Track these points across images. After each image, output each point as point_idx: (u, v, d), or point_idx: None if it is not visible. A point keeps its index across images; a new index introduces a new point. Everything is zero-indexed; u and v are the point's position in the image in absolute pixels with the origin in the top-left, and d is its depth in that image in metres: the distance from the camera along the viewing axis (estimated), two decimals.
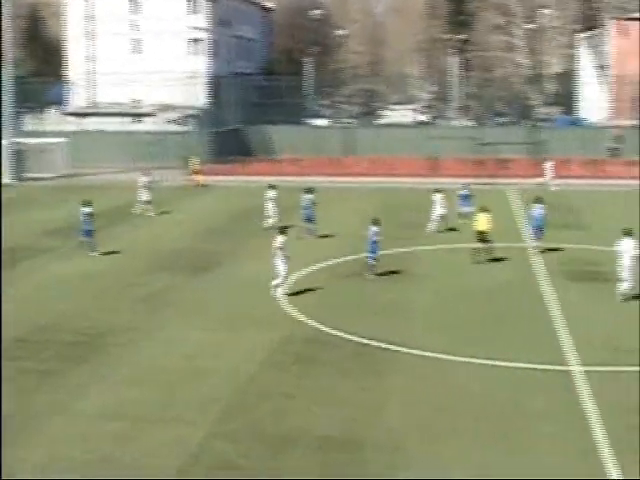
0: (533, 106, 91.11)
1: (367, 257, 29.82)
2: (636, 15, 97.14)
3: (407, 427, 16.86)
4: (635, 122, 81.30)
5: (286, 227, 27.96)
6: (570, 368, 20.25)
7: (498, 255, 32.47)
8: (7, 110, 58.83)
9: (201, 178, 55.69)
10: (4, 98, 58.84)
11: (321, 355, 21.19)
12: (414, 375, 19.91)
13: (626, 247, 26.25)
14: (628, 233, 26.46)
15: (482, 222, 31.91)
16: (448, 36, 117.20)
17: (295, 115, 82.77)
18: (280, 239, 26.67)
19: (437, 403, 18.14)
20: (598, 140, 67.30)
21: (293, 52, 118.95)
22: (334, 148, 68.99)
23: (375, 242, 29.45)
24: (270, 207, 38.64)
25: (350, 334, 22.71)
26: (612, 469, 15.03)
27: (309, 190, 37.65)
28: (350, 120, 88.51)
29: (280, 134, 70.19)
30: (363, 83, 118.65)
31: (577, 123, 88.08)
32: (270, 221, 38.01)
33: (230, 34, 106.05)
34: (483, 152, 59.23)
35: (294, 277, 29.09)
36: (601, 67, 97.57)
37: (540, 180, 53.03)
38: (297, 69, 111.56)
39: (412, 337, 22.63)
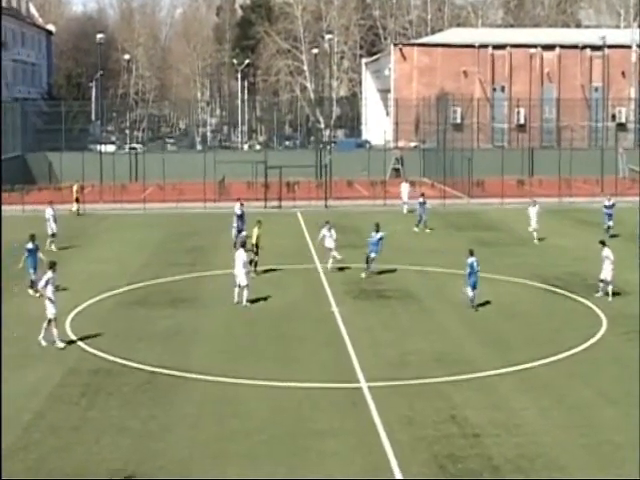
0: (319, 129, 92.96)
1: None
2: (415, 41, 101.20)
3: (196, 453, 16.75)
4: (415, 143, 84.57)
5: (55, 262, 25.41)
6: (357, 385, 20.72)
7: (291, 276, 32.95)
8: None
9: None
10: None
11: (108, 385, 20.76)
12: (202, 400, 19.85)
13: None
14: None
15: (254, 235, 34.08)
16: (235, 61, 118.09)
17: (80, 141, 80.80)
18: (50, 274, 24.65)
19: (225, 427, 18.13)
20: (381, 161, 69.32)
21: (77, 76, 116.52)
22: (121, 174, 67.94)
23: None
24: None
25: (137, 362, 22.39)
26: None
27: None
28: (137, 145, 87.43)
29: (64, 161, 68.21)
30: (150, 108, 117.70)
31: (360, 145, 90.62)
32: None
33: (9, 57, 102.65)
34: (271, 175, 59.88)
35: (80, 307, 28.46)
36: (383, 91, 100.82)
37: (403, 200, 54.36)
38: (81, 94, 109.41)
39: (198, 362, 22.59)
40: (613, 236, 41.46)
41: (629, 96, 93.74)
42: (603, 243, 30.37)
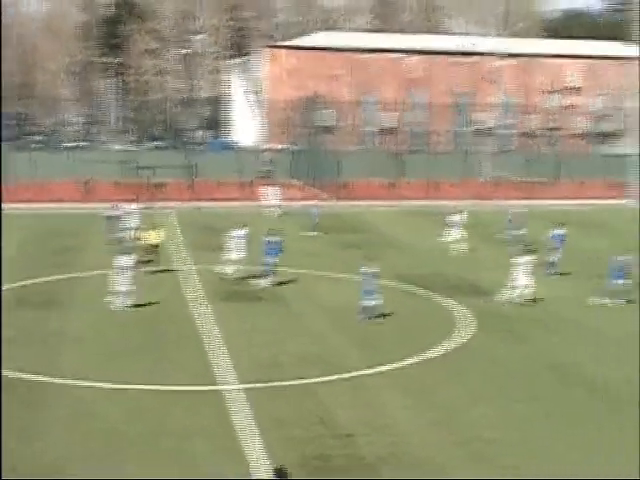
0: (187, 130, 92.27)
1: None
2: (284, 43, 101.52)
3: (62, 459, 16.31)
4: (285, 145, 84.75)
5: None
6: (229, 387, 20.52)
7: (163, 278, 32.52)
8: None
9: None
10: None
11: None
12: (67, 405, 19.33)
13: None
14: None
15: (154, 236, 35.39)
16: (102, 59, 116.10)
17: None
18: None
19: (88, 432, 17.70)
20: (250, 163, 69.21)
21: None
22: None
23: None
24: None
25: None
26: None
27: None
28: None
29: None
30: (13, 106, 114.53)
31: (229, 146, 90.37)
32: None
33: None
34: (139, 175, 58.97)
35: None
36: (252, 92, 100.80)
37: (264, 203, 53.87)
38: None
39: (64, 367, 22.00)
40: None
41: (493, 102, 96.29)
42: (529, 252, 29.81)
